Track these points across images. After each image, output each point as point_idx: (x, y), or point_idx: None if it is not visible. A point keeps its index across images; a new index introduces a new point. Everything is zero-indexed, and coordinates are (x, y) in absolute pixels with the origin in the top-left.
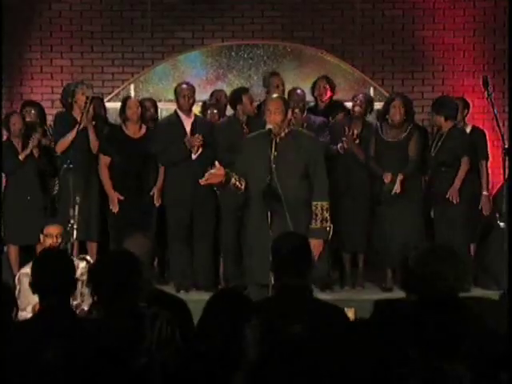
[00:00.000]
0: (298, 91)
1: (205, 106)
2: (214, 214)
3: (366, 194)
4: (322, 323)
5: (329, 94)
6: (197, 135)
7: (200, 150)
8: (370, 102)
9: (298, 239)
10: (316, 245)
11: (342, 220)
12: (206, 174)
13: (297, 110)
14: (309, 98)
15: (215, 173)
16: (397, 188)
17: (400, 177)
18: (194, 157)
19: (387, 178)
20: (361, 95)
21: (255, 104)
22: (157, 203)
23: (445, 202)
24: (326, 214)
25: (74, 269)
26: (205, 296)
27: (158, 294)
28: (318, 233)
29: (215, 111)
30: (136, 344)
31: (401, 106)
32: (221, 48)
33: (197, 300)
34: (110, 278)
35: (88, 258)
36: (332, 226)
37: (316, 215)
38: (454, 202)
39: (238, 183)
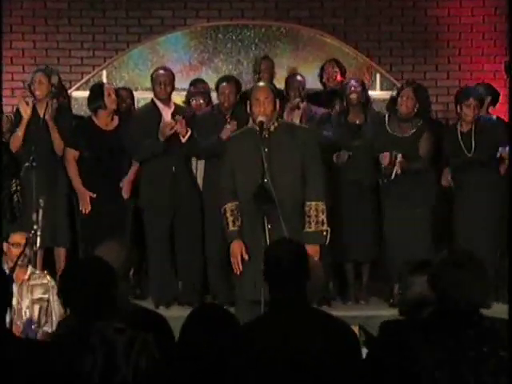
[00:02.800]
0: (298, 77)
1: (189, 94)
2: (198, 217)
3: (373, 196)
4: (328, 341)
5: (339, 78)
6: (177, 117)
7: (189, 132)
8: (364, 86)
9: (295, 247)
10: (311, 251)
11: (344, 225)
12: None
13: (298, 100)
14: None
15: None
16: (397, 169)
17: (399, 158)
18: (183, 140)
19: (385, 159)
20: (352, 80)
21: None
22: (125, 196)
23: (473, 205)
24: (322, 216)
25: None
26: (188, 312)
27: (134, 310)
28: (312, 237)
29: (201, 101)
30: (106, 380)
31: (410, 97)
32: (206, 29)
33: (179, 317)
34: (80, 289)
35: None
36: (329, 229)
37: (310, 217)
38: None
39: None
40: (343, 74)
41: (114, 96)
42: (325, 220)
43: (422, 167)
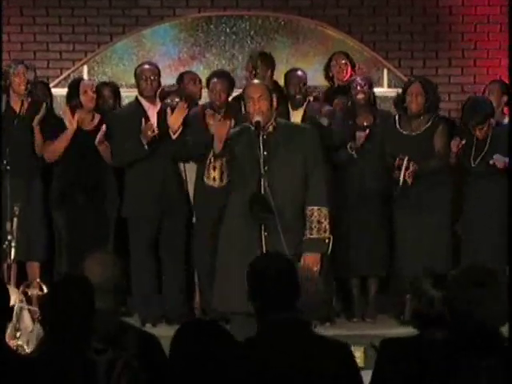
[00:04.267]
0: (298, 72)
1: (162, 93)
2: (186, 226)
3: (382, 204)
4: (319, 367)
5: (349, 72)
6: (179, 105)
7: (180, 128)
8: (371, 83)
9: (283, 262)
10: (311, 260)
11: (350, 236)
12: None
13: (299, 97)
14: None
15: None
16: (405, 175)
17: (413, 167)
18: (173, 137)
19: (399, 163)
20: (358, 78)
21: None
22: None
23: (482, 216)
24: (325, 223)
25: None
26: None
27: (121, 328)
28: (314, 245)
29: (177, 100)
30: None
31: (419, 93)
32: (197, 20)
33: (167, 336)
34: (62, 308)
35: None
36: (332, 238)
37: (311, 223)
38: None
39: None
40: (353, 68)
41: (91, 93)
42: (327, 227)
43: (439, 165)
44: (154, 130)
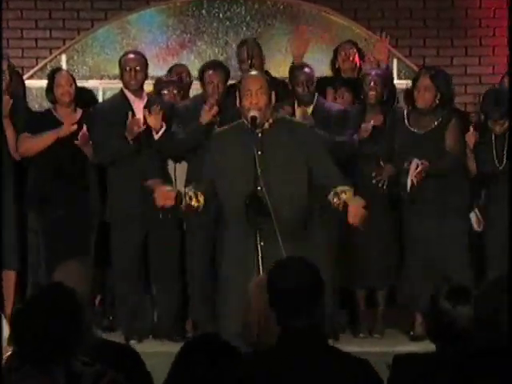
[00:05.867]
0: (306, 69)
1: (160, 84)
2: (177, 233)
3: (392, 211)
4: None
5: (357, 61)
6: (153, 109)
7: (163, 126)
8: (386, 79)
9: (306, 266)
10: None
11: (356, 244)
12: (156, 191)
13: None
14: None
15: (165, 192)
16: (411, 176)
17: (421, 166)
18: (156, 137)
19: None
20: (374, 72)
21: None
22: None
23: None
24: (344, 197)
25: None
26: (166, 347)
27: (101, 345)
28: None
29: (175, 91)
30: None
31: (427, 88)
32: (187, 4)
33: (155, 353)
34: (39, 323)
35: None
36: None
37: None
38: None
39: (192, 201)
40: (362, 58)
41: (66, 86)
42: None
43: (450, 166)
44: (140, 126)
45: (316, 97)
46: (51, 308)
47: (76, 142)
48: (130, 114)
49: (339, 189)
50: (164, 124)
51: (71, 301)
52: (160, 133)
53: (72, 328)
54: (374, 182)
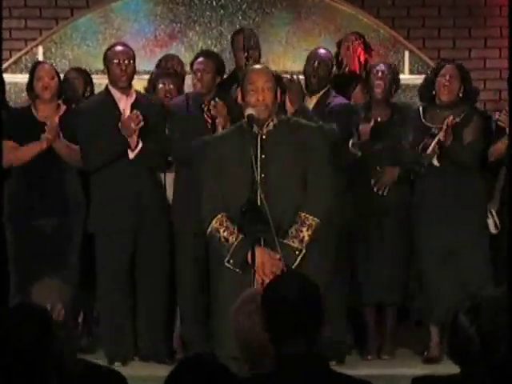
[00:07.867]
0: (321, 50)
1: (156, 77)
2: (166, 245)
3: (401, 216)
4: None
5: (362, 55)
6: (135, 112)
7: (140, 144)
8: (395, 74)
9: (306, 285)
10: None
11: (362, 256)
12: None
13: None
14: None
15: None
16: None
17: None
18: (131, 155)
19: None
20: (379, 67)
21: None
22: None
23: None
24: (305, 233)
25: None
26: (153, 370)
27: (84, 368)
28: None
29: (171, 86)
30: None
31: (454, 76)
32: None
33: (141, 377)
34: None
35: None
36: (304, 252)
37: (291, 228)
38: None
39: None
40: (368, 51)
41: (46, 78)
42: (306, 239)
43: (465, 160)
44: (140, 121)
45: (327, 86)
46: (15, 330)
47: (47, 135)
48: (122, 111)
49: (303, 215)
50: (140, 142)
51: (37, 323)
52: (136, 150)
53: (39, 351)
54: (375, 189)
